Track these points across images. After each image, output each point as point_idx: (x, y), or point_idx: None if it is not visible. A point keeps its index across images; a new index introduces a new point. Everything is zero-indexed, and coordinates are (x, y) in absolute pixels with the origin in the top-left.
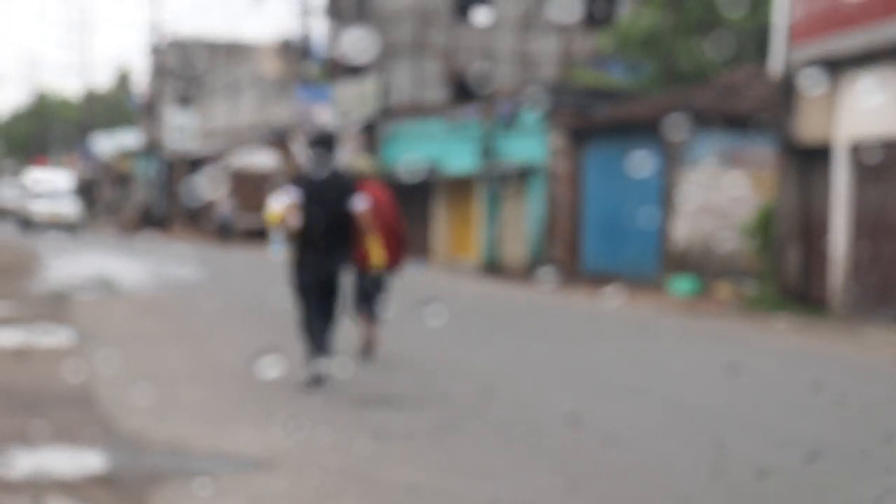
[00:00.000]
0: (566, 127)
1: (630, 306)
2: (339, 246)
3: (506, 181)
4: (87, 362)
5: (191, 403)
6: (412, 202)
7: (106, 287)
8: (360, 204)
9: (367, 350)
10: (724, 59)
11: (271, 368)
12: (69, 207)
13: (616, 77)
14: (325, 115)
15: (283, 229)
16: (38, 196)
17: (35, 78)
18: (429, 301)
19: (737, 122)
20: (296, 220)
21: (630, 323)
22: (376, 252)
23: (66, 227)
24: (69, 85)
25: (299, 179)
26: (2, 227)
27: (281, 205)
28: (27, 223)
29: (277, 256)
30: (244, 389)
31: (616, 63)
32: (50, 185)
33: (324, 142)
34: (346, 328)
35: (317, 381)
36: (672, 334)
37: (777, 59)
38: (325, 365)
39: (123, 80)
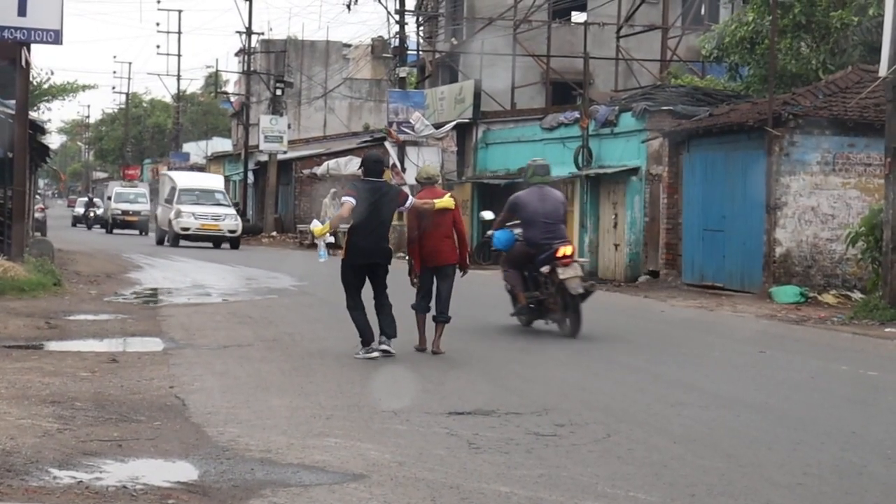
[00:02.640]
0: (665, 131)
1: (732, 315)
2: (384, 240)
3: (603, 186)
4: (179, 370)
5: (283, 413)
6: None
7: (199, 294)
8: (406, 205)
9: (432, 349)
10: (829, 60)
11: (365, 378)
12: (229, 216)
13: (716, 80)
14: (417, 119)
15: (324, 239)
16: (188, 202)
17: (127, 83)
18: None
19: (843, 125)
20: (349, 216)
21: (734, 332)
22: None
23: (227, 240)
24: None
25: (354, 186)
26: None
27: (319, 224)
28: (172, 235)
29: (323, 260)
30: (337, 399)
31: (716, 65)
32: (201, 188)
33: (375, 163)
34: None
35: (382, 353)
36: (779, 344)
37: (887, 61)
38: (387, 344)
39: (215, 85)
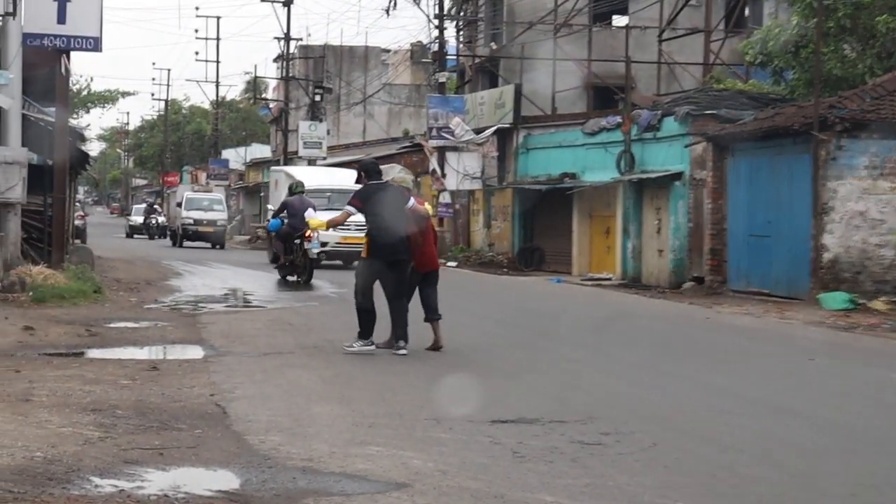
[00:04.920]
0: (709, 135)
1: (780, 322)
2: (405, 235)
3: (646, 191)
4: (220, 377)
5: (324, 421)
6: (549, 214)
7: (238, 301)
8: (409, 204)
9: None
10: (876, 64)
11: (405, 384)
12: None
13: (760, 83)
14: (457, 125)
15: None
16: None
17: (166, 89)
18: (558, 317)
19: (891, 128)
20: (343, 221)
21: (781, 340)
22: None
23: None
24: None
25: (363, 191)
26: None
27: (315, 216)
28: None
29: (315, 251)
30: (379, 406)
31: (760, 69)
32: (333, 188)
33: (373, 165)
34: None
35: (397, 348)
36: (827, 352)
37: None
38: (404, 348)
39: (253, 91)
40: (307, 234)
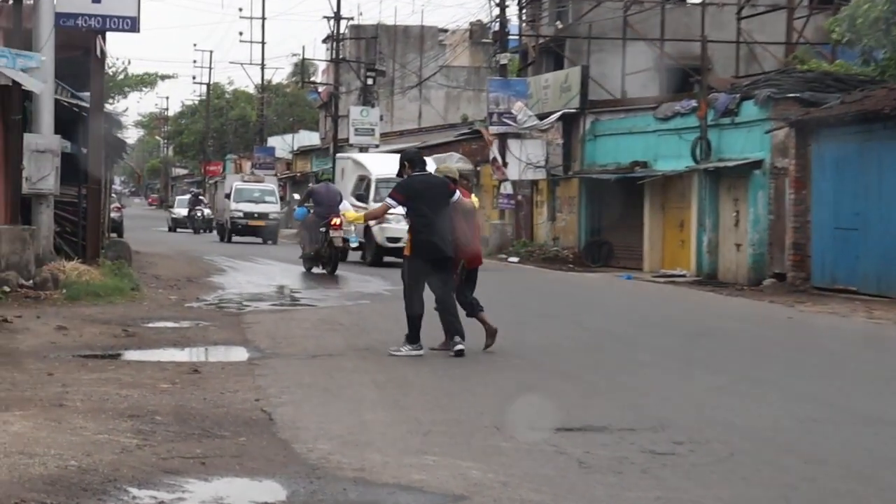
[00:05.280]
0: (792, 120)
1: (868, 323)
2: (448, 232)
3: (723, 181)
4: (266, 381)
5: (377, 428)
6: (618, 206)
7: (285, 299)
8: (456, 196)
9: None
10: None
11: (463, 389)
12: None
13: (847, 64)
14: (520, 110)
15: (357, 226)
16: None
17: (209, 73)
18: (630, 319)
19: None
20: (382, 215)
21: (870, 342)
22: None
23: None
24: (244, 80)
25: (405, 183)
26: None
27: (351, 209)
28: (373, 250)
29: (353, 245)
30: (435, 413)
31: (847, 49)
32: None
33: (419, 160)
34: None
35: (456, 354)
36: None
37: None
38: (461, 343)
39: (301, 74)
40: (333, 223)
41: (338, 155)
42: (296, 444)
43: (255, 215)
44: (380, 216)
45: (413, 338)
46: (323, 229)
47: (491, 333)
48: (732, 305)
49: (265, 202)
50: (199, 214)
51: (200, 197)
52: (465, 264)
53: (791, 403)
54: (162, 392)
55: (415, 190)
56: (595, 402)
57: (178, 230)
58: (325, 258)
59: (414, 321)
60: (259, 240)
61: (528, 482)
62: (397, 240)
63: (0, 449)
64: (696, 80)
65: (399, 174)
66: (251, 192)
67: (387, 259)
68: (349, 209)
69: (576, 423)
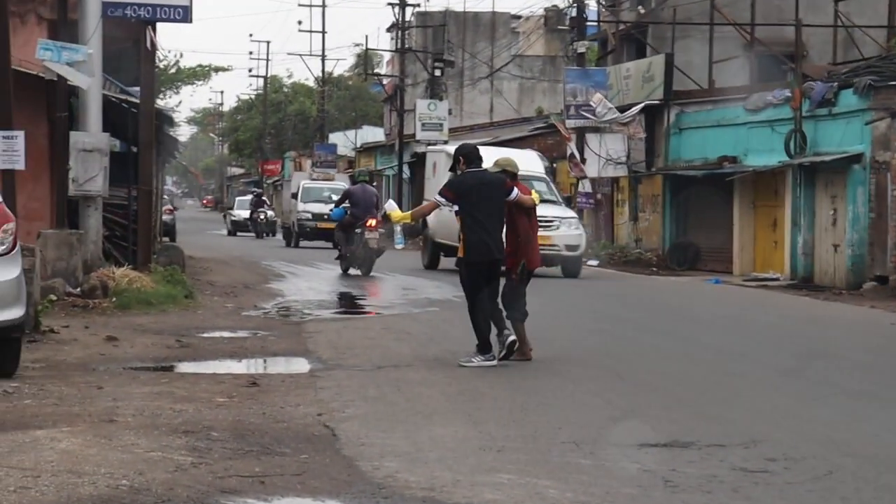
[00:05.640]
0: (894, 109)
1: None
2: (499, 234)
3: (820, 177)
4: (328, 394)
5: (447, 444)
6: (705, 204)
7: (348, 306)
8: (512, 196)
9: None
10: None
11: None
12: (564, 221)
13: None
14: (599, 101)
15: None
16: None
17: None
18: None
19: None
20: (429, 212)
21: None
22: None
23: (562, 262)
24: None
25: (458, 180)
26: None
27: (396, 208)
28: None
29: (400, 247)
30: (509, 428)
31: None
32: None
33: (475, 156)
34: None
35: (509, 351)
36: None
37: None
38: (508, 336)
39: (364, 66)
40: (368, 225)
41: (429, 148)
42: (360, 461)
43: (326, 217)
44: (427, 213)
45: (483, 346)
46: (358, 230)
47: (515, 349)
48: (830, 311)
49: (392, 200)
50: (262, 217)
51: (263, 198)
52: (526, 265)
53: (894, 418)
54: (218, 406)
55: (467, 187)
56: (681, 416)
57: (239, 234)
58: (360, 259)
59: (481, 328)
60: (330, 244)
61: (609, 502)
62: None
63: (47, 468)
64: (789, 68)
65: (452, 170)
66: (321, 191)
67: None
68: (395, 209)
69: (661, 439)
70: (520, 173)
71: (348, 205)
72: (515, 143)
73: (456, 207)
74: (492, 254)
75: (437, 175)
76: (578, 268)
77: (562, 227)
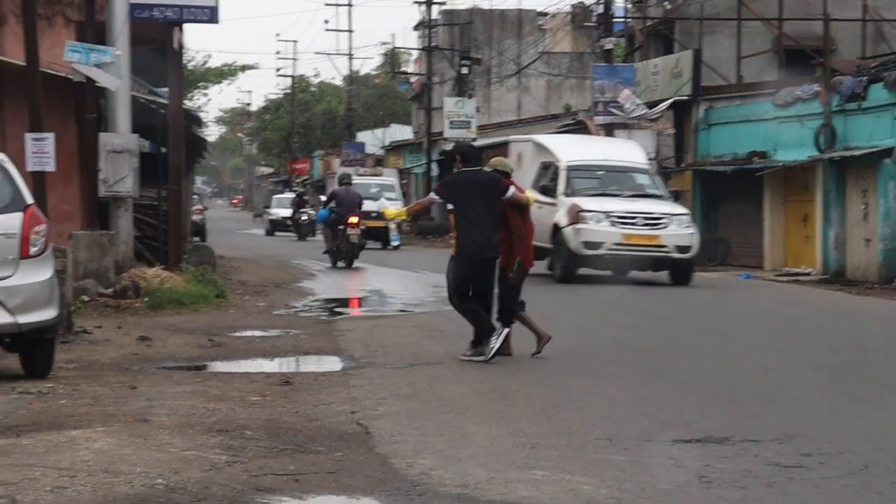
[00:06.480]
0: None
1: None
2: (493, 233)
3: (850, 172)
4: (361, 392)
5: (480, 441)
6: (735, 200)
7: (380, 304)
8: (508, 194)
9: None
10: None
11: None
12: (674, 218)
13: None
14: (627, 98)
15: (399, 222)
16: (588, 191)
17: (293, 64)
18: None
19: None
20: (424, 209)
21: None
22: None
23: (671, 265)
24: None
25: (453, 179)
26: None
27: (392, 205)
28: (565, 259)
29: (396, 243)
30: (542, 424)
31: None
32: (609, 164)
33: (472, 150)
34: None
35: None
36: None
37: None
38: (495, 339)
39: (391, 64)
40: (350, 222)
41: (512, 138)
42: (394, 458)
43: (374, 215)
44: (422, 210)
45: (479, 336)
46: (341, 227)
47: (543, 340)
48: (863, 305)
49: (384, 199)
50: (304, 217)
51: (305, 197)
52: (522, 263)
53: None
54: (252, 405)
55: (460, 186)
56: (715, 412)
57: (277, 234)
58: (343, 253)
59: (468, 316)
60: (378, 245)
61: (644, 498)
62: (598, 245)
63: (83, 467)
64: (818, 63)
65: (448, 168)
66: (367, 187)
67: (583, 272)
68: (387, 206)
69: (695, 435)
70: (619, 164)
71: (334, 205)
72: None
73: (451, 206)
74: (483, 252)
75: (523, 167)
76: (690, 274)
77: (671, 225)
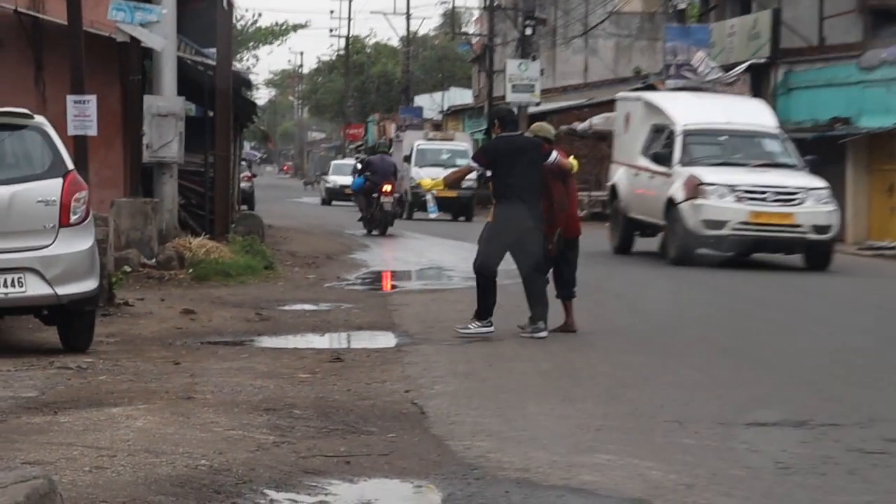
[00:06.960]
0: None
1: None
2: (535, 201)
3: None
4: (416, 370)
5: (542, 423)
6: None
7: (437, 277)
8: (551, 160)
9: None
10: None
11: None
12: (810, 193)
13: None
14: (701, 60)
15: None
16: (706, 160)
17: (348, 24)
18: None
19: None
20: (463, 177)
21: None
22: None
23: (806, 249)
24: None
25: (492, 145)
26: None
27: (427, 177)
28: (681, 238)
29: (433, 215)
30: (608, 405)
31: None
32: (731, 128)
33: (511, 119)
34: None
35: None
36: None
37: None
38: (543, 329)
39: (451, 24)
40: (383, 190)
41: (618, 96)
42: (451, 440)
43: (414, 187)
44: (460, 179)
45: (482, 312)
46: (375, 195)
47: (568, 328)
48: None
49: (457, 166)
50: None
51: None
52: (562, 233)
53: None
54: (301, 383)
55: (500, 152)
56: (793, 394)
57: (335, 203)
58: (377, 220)
59: (482, 291)
60: (449, 216)
61: (716, 484)
62: (721, 224)
63: (123, 447)
64: None
65: (487, 133)
66: (438, 153)
67: (703, 252)
68: (423, 177)
69: (770, 417)
70: (745, 128)
71: (369, 174)
72: (610, 105)
73: (489, 172)
74: (524, 221)
75: (631, 129)
76: (829, 256)
77: (807, 200)
